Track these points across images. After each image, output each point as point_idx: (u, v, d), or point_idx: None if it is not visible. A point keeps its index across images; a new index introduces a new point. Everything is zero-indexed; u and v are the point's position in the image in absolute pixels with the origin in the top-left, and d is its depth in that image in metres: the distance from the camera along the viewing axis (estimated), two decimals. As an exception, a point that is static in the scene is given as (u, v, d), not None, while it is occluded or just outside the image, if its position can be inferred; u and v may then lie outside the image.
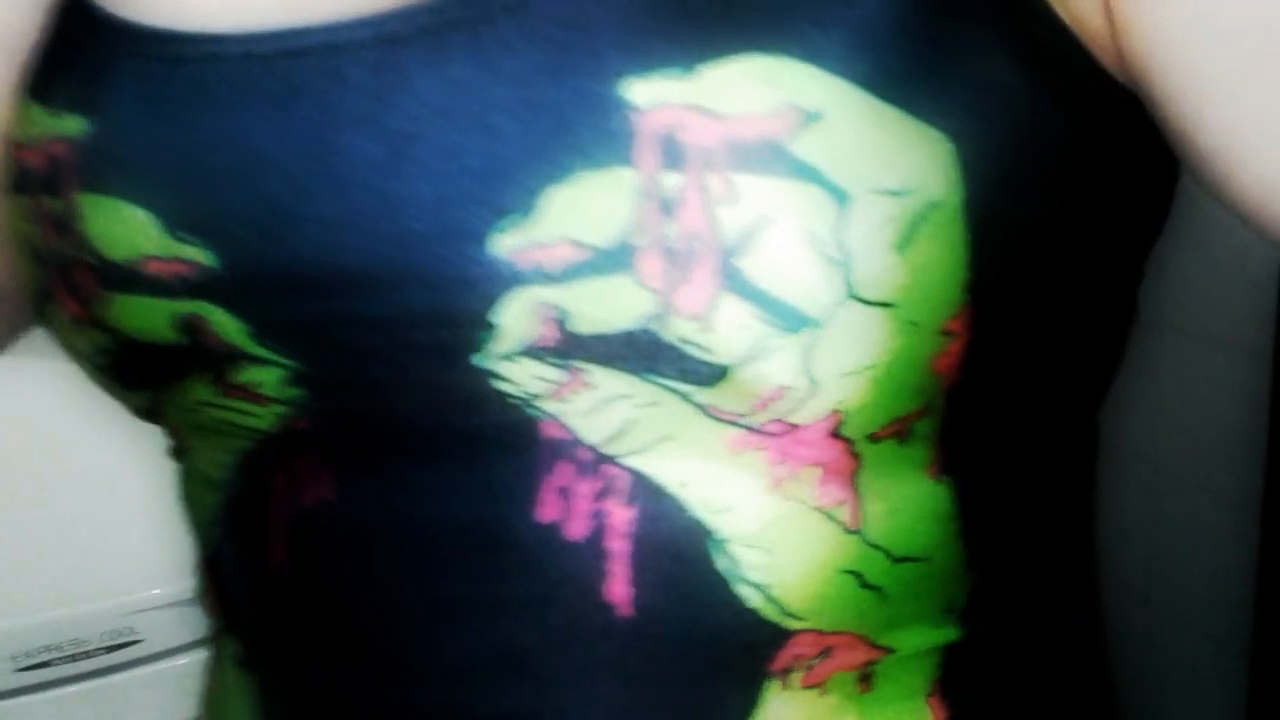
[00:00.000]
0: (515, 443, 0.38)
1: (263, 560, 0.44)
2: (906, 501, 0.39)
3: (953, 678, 0.43)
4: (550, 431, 0.38)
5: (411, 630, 0.41)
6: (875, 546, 0.39)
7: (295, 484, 0.42)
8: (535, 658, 0.40)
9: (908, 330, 0.35)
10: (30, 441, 1.09)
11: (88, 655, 1.09)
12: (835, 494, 0.38)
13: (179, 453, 0.48)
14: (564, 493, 0.38)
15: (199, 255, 0.38)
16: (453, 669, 0.41)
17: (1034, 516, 0.44)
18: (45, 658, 1.08)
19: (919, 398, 0.37)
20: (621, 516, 0.38)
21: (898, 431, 0.38)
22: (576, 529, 0.38)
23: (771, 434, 0.37)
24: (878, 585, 0.40)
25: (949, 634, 0.42)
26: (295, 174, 0.36)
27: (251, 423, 0.41)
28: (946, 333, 0.36)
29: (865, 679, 0.41)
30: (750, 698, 0.40)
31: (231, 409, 0.41)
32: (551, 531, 0.39)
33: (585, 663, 0.39)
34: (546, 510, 0.39)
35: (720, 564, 0.38)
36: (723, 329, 0.35)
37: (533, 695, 0.40)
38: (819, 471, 0.38)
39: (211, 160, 0.37)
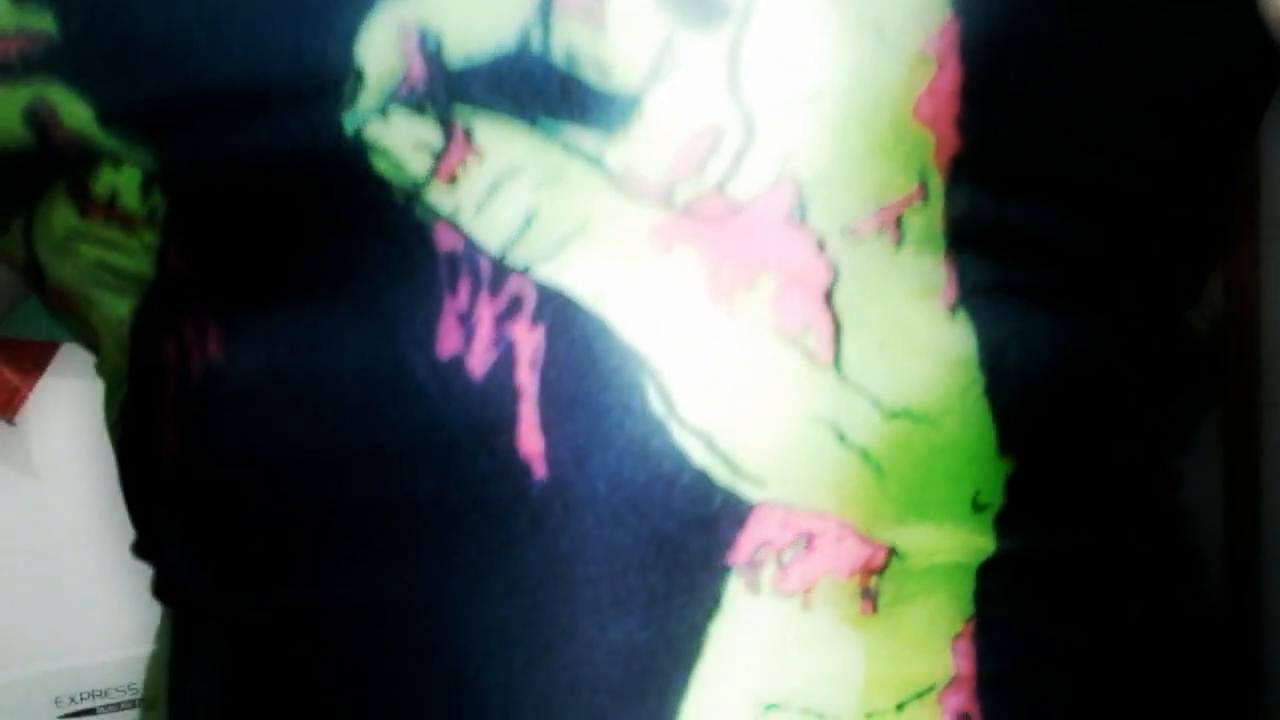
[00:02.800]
0: (409, 261, 0.31)
1: (156, 453, 0.37)
2: (905, 335, 0.30)
3: (991, 614, 0.33)
4: (446, 241, 0.31)
5: (294, 512, 0.33)
6: (859, 390, 0.30)
7: (184, 353, 0.35)
8: (435, 538, 0.32)
9: (870, 39, 0.27)
10: (96, 473, 1.06)
11: (134, 705, 1.03)
12: (801, 314, 0.30)
13: (100, 366, 0.42)
14: (464, 319, 0.31)
15: (42, 23, 0.32)
16: (338, 555, 0.33)
17: (1094, 401, 0.34)
18: (90, 704, 1.03)
19: (904, 164, 0.28)
20: (528, 342, 0.30)
21: (885, 224, 0.29)
22: (479, 363, 0.31)
23: (708, 219, 0.29)
24: (865, 447, 0.30)
25: (981, 545, 0.32)
26: None
27: (127, 264, 0.35)
28: (927, 58, 0.27)
29: (867, 596, 0.32)
30: (709, 596, 0.31)
31: (101, 241, 0.35)
32: (453, 368, 0.31)
33: (493, 543, 0.31)
34: (447, 342, 0.31)
35: (653, 404, 0.30)
36: (617, 26, 0.27)
37: (432, 583, 0.32)
38: (776, 280, 0.29)
39: None
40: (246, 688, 0.36)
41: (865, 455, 0.31)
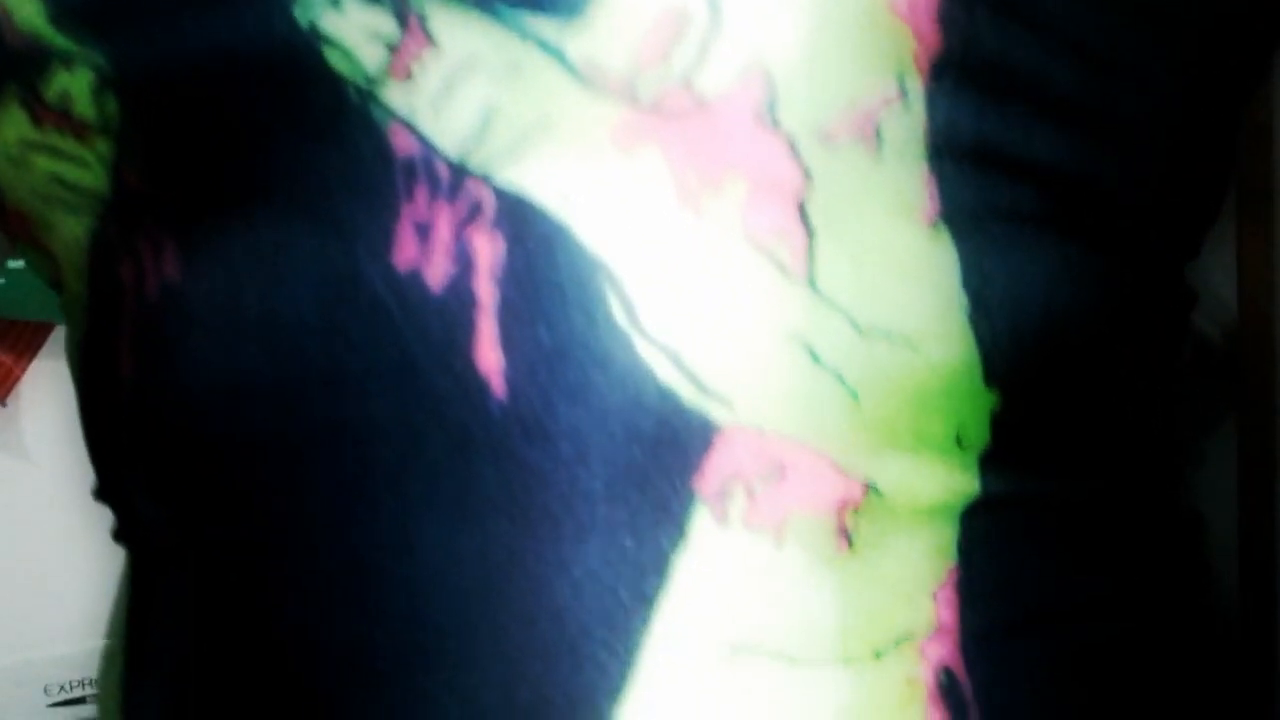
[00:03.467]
0: (365, 167, 0.30)
1: (115, 381, 0.36)
2: (883, 251, 0.29)
3: (976, 563, 0.31)
4: (402, 145, 0.29)
5: (252, 437, 0.32)
6: (833, 306, 0.29)
7: (141, 273, 0.34)
8: (392, 464, 0.30)
9: None
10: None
11: (123, 694, 1.01)
12: (772, 221, 0.28)
13: (63, 302, 0.41)
14: (422, 229, 0.29)
15: None
16: (296, 481, 0.31)
17: (1087, 341, 0.32)
18: (80, 693, 1.01)
19: (881, 63, 0.27)
20: (488, 251, 0.29)
21: (862, 131, 0.28)
22: (437, 274, 0.29)
23: (673, 115, 0.27)
24: (839, 369, 0.29)
25: (964, 485, 0.31)
26: None
27: (82, 178, 0.34)
28: None
29: (843, 535, 0.30)
30: (674, 528, 0.29)
31: (55, 151, 0.33)
32: (411, 281, 0.29)
33: (451, 468, 0.30)
34: (404, 253, 0.29)
35: (616, 315, 0.28)
36: None
37: (388, 512, 0.30)
38: (746, 184, 0.28)
39: None
40: (206, 632, 0.34)
41: (840, 378, 0.29)
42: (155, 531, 0.37)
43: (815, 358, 0.29)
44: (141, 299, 0.34)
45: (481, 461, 0.29)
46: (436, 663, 0.30)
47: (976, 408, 0.30)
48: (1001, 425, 0.31)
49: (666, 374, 0.28)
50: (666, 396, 0.29)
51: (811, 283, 0.29)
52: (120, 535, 0.40)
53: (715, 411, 0.29)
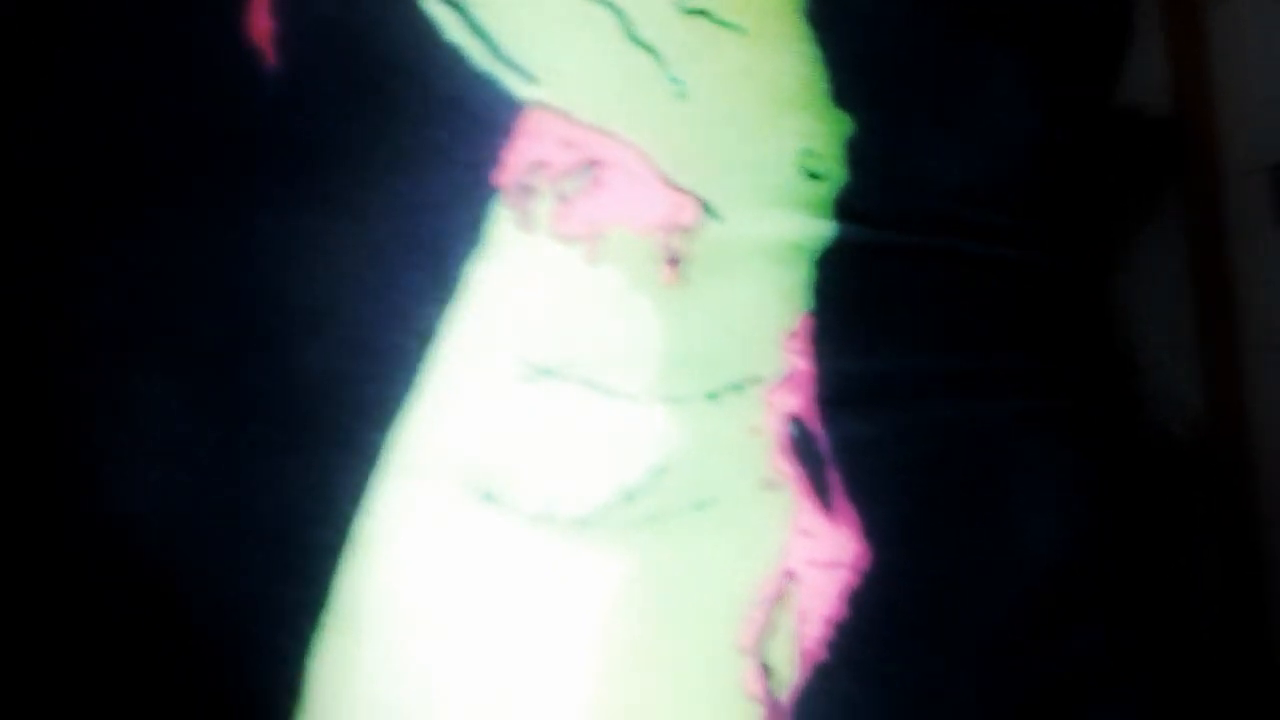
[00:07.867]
0: None
1: None
2: None
3: (835, 314, 0.27)
4: None
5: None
6: None
7: None
8: (173, 173, 0.27)
9: None
10: None
11: None
12: None
13: None
14: None
15: None
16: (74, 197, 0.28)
17: (955, 74, 0.29)
18: None
19: None
20: None
21: None
22: None
23: None
24: (658, 46, 0.26)
25: (817, 226, 0.27)
26: None
27: None
28: None
29: (671, 260, 0.26)
30: (469, 226, 0.26)
31: None
32: None
33: (226, 170, 0.26)
34: None
35: None
36: None
37: (176, 210, 0.27)
38: None
39: None
40: None
41: (659, 58, 0.26)
42: None
43: (629, 30, 0.26)
44: None
45: (257, 150, 0.26)
46: (199, 372, 0.26)
47: (825, 129, 0.27)
48: (858, 160, 0.27)
49: (455, 30, 0.25)
50: (453, 57, 0.25)
51: None
52: None
53: (514, 84, 0.25)
